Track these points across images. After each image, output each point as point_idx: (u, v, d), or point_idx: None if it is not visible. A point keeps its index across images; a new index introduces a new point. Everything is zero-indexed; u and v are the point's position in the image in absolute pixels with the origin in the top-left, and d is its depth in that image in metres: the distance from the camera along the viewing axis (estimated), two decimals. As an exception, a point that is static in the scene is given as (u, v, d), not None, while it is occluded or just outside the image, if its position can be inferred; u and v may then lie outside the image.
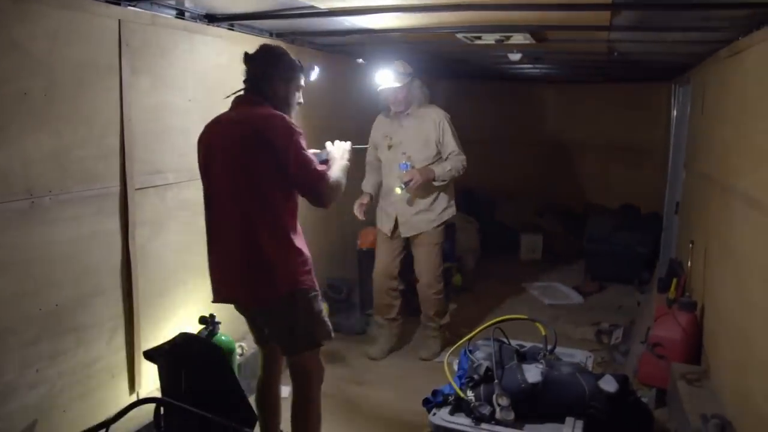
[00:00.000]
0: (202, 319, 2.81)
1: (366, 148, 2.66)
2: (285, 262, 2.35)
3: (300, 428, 2.54)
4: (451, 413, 2.43)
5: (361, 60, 3.90)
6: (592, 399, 2.41)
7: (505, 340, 2.82)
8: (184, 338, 2.54)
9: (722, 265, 3.01)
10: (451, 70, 6.18)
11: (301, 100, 2.53)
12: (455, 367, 2.75)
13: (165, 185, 2.91)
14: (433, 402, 2.52)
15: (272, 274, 2.34)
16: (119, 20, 2.54)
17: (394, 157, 3.92)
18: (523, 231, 6.80)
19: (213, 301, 2.48)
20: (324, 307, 4.09)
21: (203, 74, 3.10)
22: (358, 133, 3.97)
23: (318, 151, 2.57)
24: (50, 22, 2.25)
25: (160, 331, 2.88)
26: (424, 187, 3.85)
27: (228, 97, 2.47)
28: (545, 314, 4.79)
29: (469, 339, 2.79)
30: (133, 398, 2.74)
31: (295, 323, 2.41)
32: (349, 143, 2.63)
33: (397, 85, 3.80)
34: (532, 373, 2.50)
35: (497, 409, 2.36)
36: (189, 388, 2.36)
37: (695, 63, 4.36)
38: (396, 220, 3.96)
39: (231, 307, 2.58)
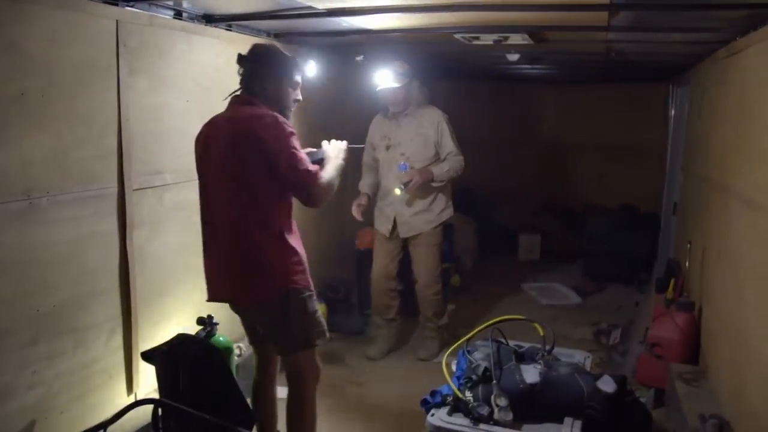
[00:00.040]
0: (200, 320, 2.80)
1: (362, 147, 2.66)
2: (278, 262, 2.35)
3: (295, 429, 2.53)
4: (450, 414, 2.43)
5: (359, 57, 3.88)
6: (590, 399, 2.41)
7: (503, 340, 2.82)
8: (181, 339, 2.54)
9: (720, 266, 3.01)
10: (449, 71, 6.18)
11: (299, 97, 2.52)
12: (453, 368, 2.75)
13: (163, 186, 2.91)
14: (431, 402, 2.52)
15: (266, 274, 2.35)
16: (117, 21, 2.54)
17: (392, 157, 3.91)
18: (521, 231, 6.80)
19: (207, 300, 2.49)
20: (322, 307, 4.17)
21: (201, 75, 3.10)
22: (356, 132, 3.97)
23: (314, 149, 2.57)
24: (48, 22, 2.24)
25: (158, 332, 2.88)
26: (422, 187, 3.86)
27: (226, 98, 2.47)
28: (543, 314, 4.79)
29: (468, 339, 2.79)
30: (131, 399, 2.73)
31: (289, 323, 2.41)
32: (345, 142, 2.62)
33: (396, 85, 3.80)
34: (531, 374, 2.50)
35: (495, 410, 2.36)
36: (187, 389, 2.36)
37: (693, 63, 4.36)
38: (394, 221, 3.96)
39: (229, 307, 2.58)
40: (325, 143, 2.60)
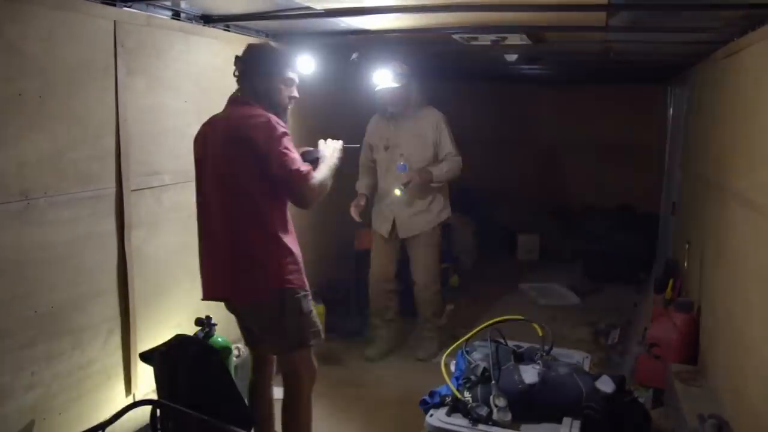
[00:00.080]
0: (199, 321, 2.80)
1: (357, 147, 2.65)
2: (272, 261, 2.35)
3: (290, 429, 2.53)
4: (448, 414, 2.43)
5: (354, 56, 3.86)
6: (589, 399, 2.41)
7: (502, 340, 2.83)
8: (180, 340, 2.54)
9: (718, 266, 3.01)
10: (448, 71, 6.18)
11: (294, 94, 2.50)
12: (452, 368, 2.75)
13: (161, 186, 2.90)
14: (430, 403, 2.52)
15: (259, 273, 2.35)
16: (114, 21, 2.53)
17: (391, 158, 3.91)
18: (520, 231, 6.80)
19: (202, 299, 2.49)
20: (320, 308, 4.16)
21: (199, 75, 3.09)
22: (354, 132, 3.97)
23: (311, 148, 2.57)
24: (45, 22, 2.24)
25: (156, 333, 2.87)
26: (421, 188, 3.86)
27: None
28: (542, 315, 4.78)
29: (467, 340, 2.79)
30: (130, 400, 2.72)
31: (284, 322, 2.41)
32: (340, 142, 2.61)
33: (395, 85, 3.80)
34: (529, 374, 2.51)
35: (494, 410, 2.36)
36: (185, 390, 2.36)
37: (691, 64, 4.36)
38: (393, 222, 3.96)
39: (227, 308, 2.58)
40: (321, 142, 2.60)
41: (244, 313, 2.54)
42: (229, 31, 3.23)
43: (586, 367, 2.81)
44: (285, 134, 2.31)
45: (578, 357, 2.90)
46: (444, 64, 5.40)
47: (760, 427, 2.16)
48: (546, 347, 2.72)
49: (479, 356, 2.67)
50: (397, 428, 3.21)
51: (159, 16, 2.78)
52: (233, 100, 2.46)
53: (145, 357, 2.56)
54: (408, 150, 3.87)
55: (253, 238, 2.34)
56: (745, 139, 2.62)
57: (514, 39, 3.38)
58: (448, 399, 2.48)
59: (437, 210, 3.99)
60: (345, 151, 2.62)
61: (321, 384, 3.44)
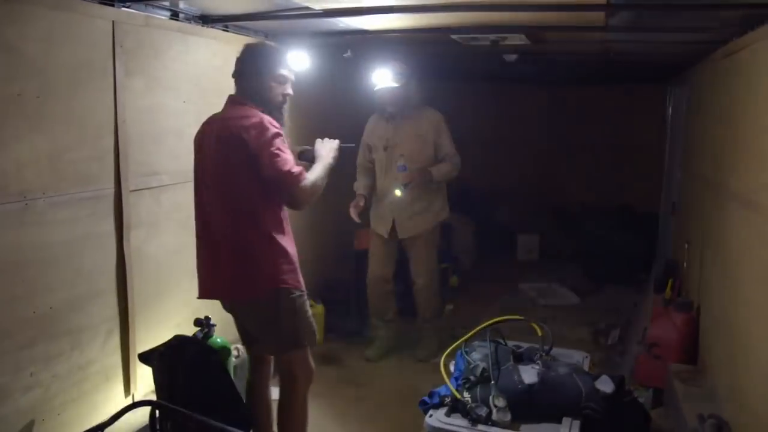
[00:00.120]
0: (197, 322, 2.79)
1: (353, 147, 2.62)
2: (267, 261, 2.35)
3: (286, 429, 2.53)
4: (448, 414, 2.43)
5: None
6: (588, 399, 2.41)
7: (501, 340, 2.82)
8: (179, 340, 2.54)
9: (718, 266, 3.01)
10: (448, 71, 6.18)
11: (287, 92, 2.48)
12: (452, 368, 2.74)
13: (160, 187, 2.90)
14: (429, 403, 2.52)
15: (254, 273, 2.35)
16: (113, 21, 2.53)
17: (390, 158, 3.91)
18: (519, 231, 6.80)
19: (198, 297, 2.49)
20: (320, 308, 4.16)
21: (198, 75, 3.09)
22: (354, 132, 3.97)
23: (309, 147, 2.56)
24: (43, 23, 2.24)
25: (155, 334, 2.87)
26: (421, 188, 3.85)
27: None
28: (542, 315, 4.78)
29: (466, 340, 2.79)
30: (129, 401, 2.72)
31: (279, 323, 2.41)
32: (336, 142, 2.59)
33: (395, 85, 3.79)
34: (529, 374, 2.50)
35: (494, 410, 2.36)
36: (184, 391, 2.36)
37: (690, 64, 4.36)
38: (393, 222, 3.95)
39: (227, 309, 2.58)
40: (318, 141, 2.59)
41: (240, 312, 2.54)
42: (227, 31, 3.23)
43: (586, 367, 2.80)
44: (277, 135, 2.30)
45: (578, 357, 2.90)
46: (444, 64, 5.40)
47: (760, 427, 2.16)
48: (545, 347, 2.72)
49: (479, 356, 2.67)
50: (397, 428, 3.21)
51: (157, 16, 2.78)
52: (230, 100, 2.47)
53: (144, 358, 2.56)
54: (408, 150, 3.87)
55: (247, 238, 2.34)
56: (745, 138, 2.62)
57: (513, 39, 3.38)
58: (448, 399, 2.48)
59: (436, 210, 3.99)
60: (341, 150, 2.59)
61: (320, 384, 3.44)
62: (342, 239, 4.71)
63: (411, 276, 4.07)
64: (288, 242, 2.42)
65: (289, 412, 2.52)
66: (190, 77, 3.04)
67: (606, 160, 6.82)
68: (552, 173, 7.14)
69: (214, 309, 2.67)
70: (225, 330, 2.93)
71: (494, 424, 2.34)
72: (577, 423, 2.35)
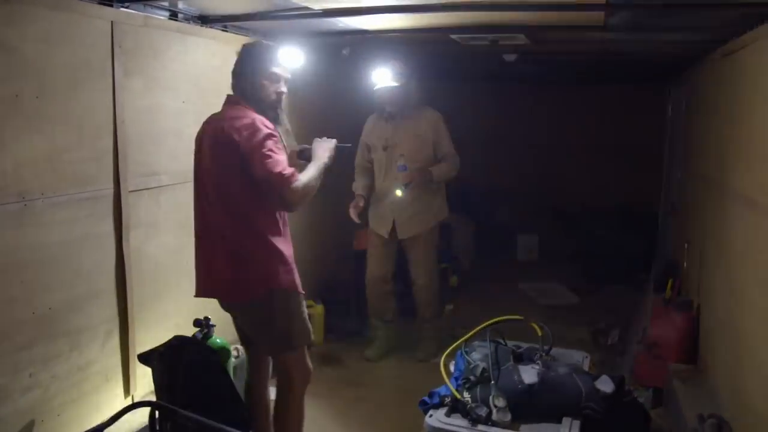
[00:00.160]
0: (197, 322, 2.79)
1: (349, 147, 2.58)
2: (261, 262, 2.35)
3: (280, 430, 2.52)
4: (448, 415, 2.43)
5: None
6: (588, 399, 2.41)
7: (501, 340, 2.82)
8: (178, 341, 2.54)
9: (718, 265, 3.01)
10: (447, 71, 6.18)
11: (281, 90, 2.45)
12: (452, 368, 2.74)
13: (159, 187, 2.90)
14: (429, 403, 2.52)
15: (248, 273, 2.35)
16: (112, 22, 2.53)
17: (390, 158, 3.90)
18: (519, 231, 6.79)
19: (195, 296, 2.49)
20: (319, 308, 4.16)
21: (197, 76, 3.09)
22: (352, 131, 3.97)
23: (308, 146, 2.55)
24: (42, 23, 2.23)
25: (154, 334, 2.86)
26: (421, 188, 3.85)
27: None
28: (542, 315, 4.76)
29: (466, 340, 2.79)
30: (129, 402, 2.71)
31: (272, 324, 2.41)
32: (333, 141, 2.56)
33: (395, 84, 3.79)
34: (529, 374, 2.50)
35: (494, 411, 2.36)
36: (184, 391, 2.35)
37: (690, 63, 4.36)
38: (393, 222, 3.94)
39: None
40: (316, 140, 2.57)
41: (235, 312, 2.54)
42: (227, 31, 3.23)
43: (586, 367, 2.80)
44: (270, 136, 2.28)
45: (578, 357, 2.89)
46: (444, 64, 5.40)
47: (760, 427, 2.16)
48: (545, 347, 2.72)
49: (478, 356, 2.67)
50: (397, 429, 3.20)
51: (156, 16, 2.77)
52: (227, 100, 2.47)
53: (144, 358, 2.56)
54: (408, 150, 3.86)
55: (241, 239, 2.34)
56: (745, 137, 2.62)
57: (513, 39, 3.38)
58: (448, 399, 2.48)
59: (435, 210, 3.98)
60: (337, 150, 2.56)
61: (320, 384, 3.45)
62: (341, 239, 4.71)
63: (410, 276, 4.07)
64: (284, 243, 2.41)
65: (285, 412, 2.51)
66: (189, 77, 3.04)
67: (606, 160, 6.82)
68: (552, 173, 7.13)
69: (213, 309, 2.66)
70: (224, 330, 2.93)
71: (494, 424, 2.34)
72: (577, 423, 2.35)
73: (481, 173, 6.63)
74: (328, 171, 2.49)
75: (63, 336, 2.42)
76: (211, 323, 2.81)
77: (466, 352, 2.72)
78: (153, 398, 2.58)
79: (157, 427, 2.12)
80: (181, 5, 2.82)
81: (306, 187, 2.32)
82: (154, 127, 2.85)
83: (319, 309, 4.22)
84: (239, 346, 3.22)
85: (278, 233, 2.39)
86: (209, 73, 3.14)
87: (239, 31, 3.33)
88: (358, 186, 4.06)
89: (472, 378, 2.52)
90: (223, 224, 2.36)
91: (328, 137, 2.59)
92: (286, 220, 2.47)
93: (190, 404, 2.09)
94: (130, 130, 2.67)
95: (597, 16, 2.66)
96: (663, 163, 5.96)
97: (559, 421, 2.36)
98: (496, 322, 2.81)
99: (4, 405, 2.18)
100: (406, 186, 3.77)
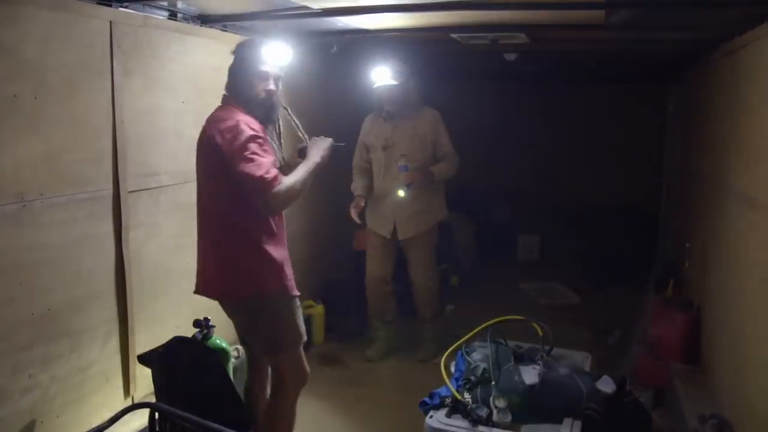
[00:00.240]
0: (197, 323, 2.78)
1: (343, 145, 2.55)
2: (248, 264, 2.34)
3: (267, 429, 2.51)
4: (448, 415, 2.42)
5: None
6: (589, 400, 2.40)
7: (502, 341, 2.81)
8: (178, 342, 2.53)
9: (719, 265, 3.00)
10: (447, 70, 6.17)
11: (270, 88, 2.38)
12: (452, 369, 2.73)
13: (159, 188, 2.89)
14: (429, 404, 2.51)
15: (235, 274, 2.35)
16: (110, 22, 2.52)
17: (390, 158, 3.89)
18: (520, 231, 6.79)
19: (194, 292, 2.49)
20: (319, 309, 4.15)
21: (196, 75, 3.08)
22: (350, 131, 3.96)
23: (306, 145, 2.53)
24: (40, 23, 2.23)
25: (154, 335, 2.86)
26: (422, 188, 3.84)
27: None
28: (542, 315, 4.74)
29: (466, 340, 2.78)
30: (128, 403, 2.71)
31: (259, 325, 2.40)
32: (329, 141, 2.51)
33: (394, 83, 3.78)
34: (530, 375, 2.49)
35: (494, 411, 2.35)
36: (183, 392, 2.35)
37: (691, 62, 4.35)
38: (394, 223, 3.93)
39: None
40: (314, 139, 2.54)
41: (227, 311, 2.53)
42: (226, 31, 3.22)
43: (587, 368, 2.79)
44: (253, 138, 2.22)
45: (579, 357, 2.89)
46: (444, 63, 5.39)
47: (761, 427, 2.15)
48: (546, 347, 2.71)
49: (479, 357, 2.66)
50: (397, 429, 3.19)
51: (155, 16, 2.77)
52: (221, 100, 2.45)
53: (144, 359, 2.55)
54: (408, 150, 3.85)
55: (229, 241, 2.33)
56: (745, 137, 2.61)
57: (513, 38, 3.37)
58: (448, 400, 2.47)
59: (435, 210, 3.98)
60: (333, 149, 2.51)
61: (321, 384, 3.45)
62: (341, 240, 4.71)
63: (410, 276, 4.06)
64: (274, 245, 2.37)
65: (275, 413, 2.49)
66: (188, 77, 3.03)
67: (606, 159, 6.81)
68: (552, 173, 7.12)
69: (213, 310, 2.66)
70: (224, 331, 2.92)
71: (495, 425, 2.33)
72: (578, 424, 2.34)
73: (482, 173, 6.62)
74: (324, 170, 2.45)
75: (62, 337, 2.41)
76: (210, 324, 2.80)
77: (467, 353, 2.71)
78: (153, 399, 2.58)
79: (157, 428, 2.11)
80: (180, 5, 2.81)
81: (290, 190, 2.26)
82: (154, 127, 2.84)
83: (319, 309, 4.21)
84: (239, 347, 3.22)
85: (270, 234, 2.36)
86: (209, 73, 3.13)
87: (239, 30, 3.32)
88: (357, 186, 4.04)
89: (472, 378, 2.51)
90: (213, 226, 2.36)
91: (325, 136, 2.57)
92: (283, 220, 2.45)
93: (190, 405, 2.09)
94: (129, 131, 2.67)
95: (597, 15, 2.65)
96: (663, 163, 5.95)
97: (560, 422, 2.35)
98: (497, 322, 2.80)
99: (4, 406, 2.18)
100: (407, 186, 3.76)
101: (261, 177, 2.18)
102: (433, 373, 2.78)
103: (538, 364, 2.59)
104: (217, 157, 2.24)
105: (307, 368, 2.52)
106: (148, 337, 2.82)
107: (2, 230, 2.13)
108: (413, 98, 3.92)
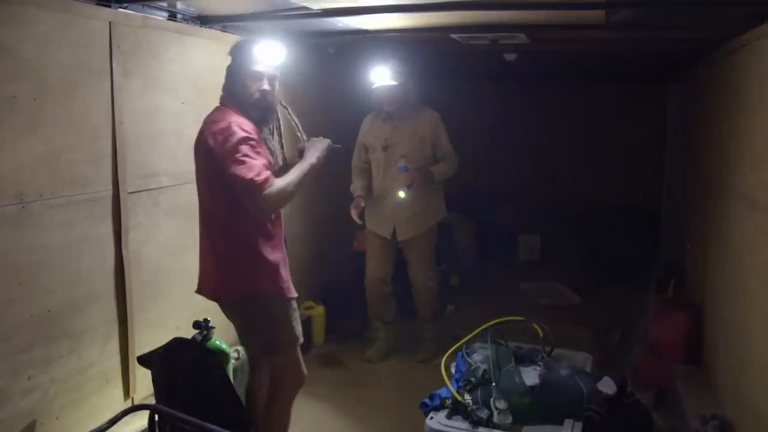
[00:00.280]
0: (196, 324, 2.78)
1: (339, 147, 2.52)
2: (243, 266, 2.33)
3: (262, 430, 2.51)
4: (449, 417, 2.41)
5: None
6: (590, 401, 2.39)
7: (502, 341, 2.80)
8: (178, 343, 2.52)
9: (720, 265, 2.99)
10: (448, 71, 6.17)
11: (263, 88, 2.35)
12: (452, 370, 2.73)
13: (158, 188, 2.89)
14: (430, 405, 2.50)
15: (231, 276, 2.35)
16: (110, 22, 2.52)
17: (390, 158, 3.88)
18: (521, 231, 6.78)
19: (195, 291, 2.49)
20: (320, 309, 4.14)
21: (196, 76, 3.07)
22: (352, 131, 3.95)
23: (305, 145, 2.53)
24: (39, 24, 2.22)
25: (154, 336, 2.85)
26: (422, 189, 3.84)
27: None
28: (543, 315, 4.74)
29: (467, 341, 2.77)
30: (128, 404, 2.71)
31: (254, 327, 2.40)
32: (327, 141, 2.49)
33: (394, 83, 3.77)
34: (530, 376, 2.49)
35: (495, 413, 2.34)
36: (183, 394, 2.34)
37: (692, 62, 4.35)
38: (393, 223, 3.93)
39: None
40: (312, 139, 2.52)
41: (226, 314, 2.52)
42: (226, 31, 3.22)
43: (588, 368, 2.79)
44: (245, 140, 2.20)
45: (580, 358, 2.88)
46: (444, 63, 5.39)
47: (763, 428, 2.14)
48: (547, 348, 2.70)
49: (479, 358, 2.65)
50: (397, 431, 3.19)
51: (155, 17, 2.76)
52: (219, 102, 2.44)
53: (144, 360, 2.54)
54: (408, 150, 3.84)
55: (225, 242, 2.33)
56: (747, 136, 2.61)
57: (513, 38, 3.37)
58: (449, 401, 2.46)
59: (434, 210, 3.97)
60: (329, 150, 2.48)
61: (321, 385, 3.44)
62: (341, 241, 4.71)
63: (410, 277, 4.05)
64: (270, 247, 2.35)
65: (271, 414, 2.49)
66: (188, 78, 3.03)
67: (607, 159, 6.80)
68: (552, 173, 7.12)
69: (213, 311, 2.65)
70: (224, 332, 2.92)
71: (495, 426, 2.32)
72: (579, 425, 2.33)
73: (482, 173, 6.62)
74: (320, 172, 2.42)
75: (62, 338, 2.41)
76: (210, 325, 2.79)
77: (467, 354, 2.71)
78: (153, 400, 2.57)
79: (157, 430, 2.11)
80: (179, 6, 2.81)
81: (281, 192, 2.23)
82: (153, 128, 2.84)
83: (320, 309, 4.21)
84: (239, 348, 3.21)
85: (266, 236, 2.34)
86: (208, 74, 3.12)
87: (238, 31, 3.31)
88: (357, 187, 4.03)
89: (473, 380, 2.50)
90: (212, 227, 2.36)
91: (324, 137, 2.56)
92: (280, 222, 2.44)
93: (190, 406, 2.08)
94: (128, 131, 2.66)
95: (597, 15, 2.65)
96: (665, 162, 5.94)
97: (561, 423, 2.34)
98: (498, 323, 2.79)
99: (4, 407, 2.18)
100: (408, 187, 3.76)
101: (251, 180, 2.15)
102: (433, 374, 2.78)
103: (539, 365, 2.59)
104: (211, 161, 2.23)
105: (304, 370, 2.52)
106: (147, 339, 2.81)
107: (1, 231, 2.13)
108: (413, 99, 3.91)
